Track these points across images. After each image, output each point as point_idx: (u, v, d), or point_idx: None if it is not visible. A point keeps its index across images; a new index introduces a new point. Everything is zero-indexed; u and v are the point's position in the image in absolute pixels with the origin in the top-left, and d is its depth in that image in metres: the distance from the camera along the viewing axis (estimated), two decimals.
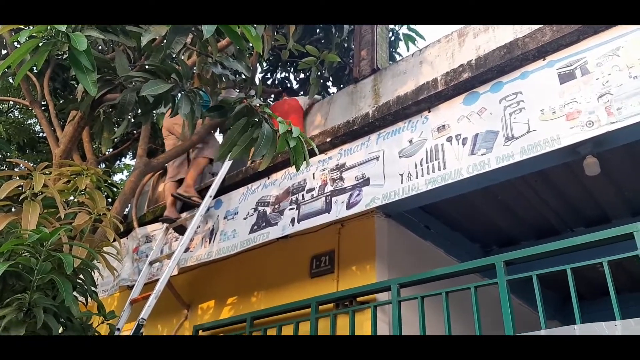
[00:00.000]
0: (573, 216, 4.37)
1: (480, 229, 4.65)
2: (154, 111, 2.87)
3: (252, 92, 2.42)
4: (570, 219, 4.44)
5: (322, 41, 5.36)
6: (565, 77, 2.66)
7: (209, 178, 4.84)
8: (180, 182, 4.75)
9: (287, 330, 3.56)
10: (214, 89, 2.57)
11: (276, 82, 6.20)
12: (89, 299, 2.88)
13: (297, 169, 2.59)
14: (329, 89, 5.88)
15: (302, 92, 5.98)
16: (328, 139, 3.65)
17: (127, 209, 5.77)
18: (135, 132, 5.33)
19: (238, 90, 2.57)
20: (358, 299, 3.47)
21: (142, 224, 5.09)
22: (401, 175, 3.10)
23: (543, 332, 2.42)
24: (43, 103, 4.10)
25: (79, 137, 3.36)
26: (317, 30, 5.40)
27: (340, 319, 3.45)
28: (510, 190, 4.04)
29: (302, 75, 6.13)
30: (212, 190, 4.24)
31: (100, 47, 2.84)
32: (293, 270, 4.14)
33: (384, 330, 3.34)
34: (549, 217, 4.44)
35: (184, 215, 4.61)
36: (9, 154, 6.89)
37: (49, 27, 1.96)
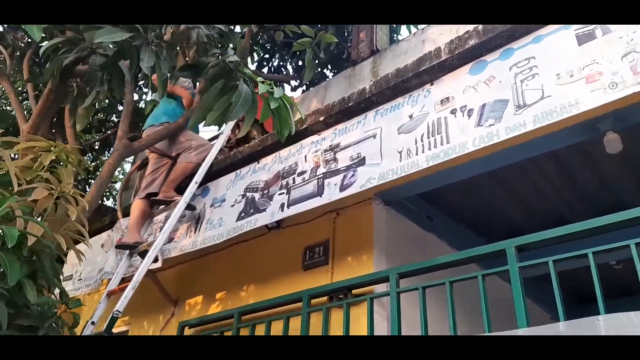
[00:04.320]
0: (587, 206, 4.06)
1: (487, 221, 4.34)
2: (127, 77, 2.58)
3: (231, 52, 2.14)
4: (585, 209, 4.12)
5: (319, 25, 5.09)
6: (585, 37, 2.37)
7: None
8: (148, 197, 4.18)
9: (277, 326, 3.26)
10: (187, 45, 2.29)
11: (272, 70, 5.93)
12: (53, 287, 2.60)
13: (282, 138, 2.30)
14: (327, 76, 5.60)
15: (298, 79, 5.71)
16: (321, 118, 3.36)
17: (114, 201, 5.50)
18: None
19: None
20: (354, 291, 3.18)
21: (126, 214, 4.81)
22: (400, 152, 2.80)
23: (562, 325, 2.11)
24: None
25: (48, 111, 3.09)
26: None
27: (334, 313, 3.16)
28: (519, 177, 3.74)
29: (300, 63, 5.86)
30: (198, 176, 3.95)
31: None
32: (285, 262, 3.85)
33: (381, 325, 3.03)
34: (561, 207, 4.13)
35: (147, 237, 4.05)
36: None
37: None
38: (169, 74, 2.14)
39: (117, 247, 3.96)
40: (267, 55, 5.82)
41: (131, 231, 3.98)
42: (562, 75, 2.33)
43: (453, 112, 2.69)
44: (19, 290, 2.32)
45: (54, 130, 5.02)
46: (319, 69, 5.25)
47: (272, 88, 2.05)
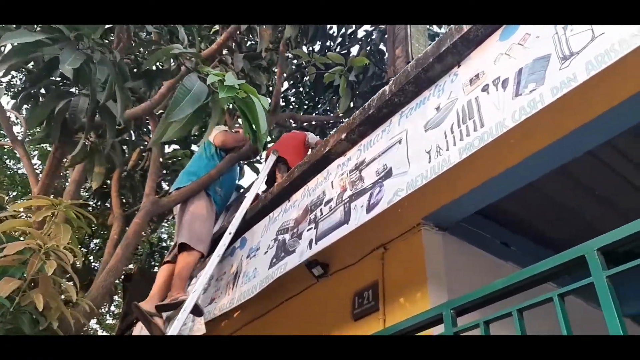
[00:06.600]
0: None
1: (582, 241, 3.46)
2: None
3: (180, 47, 1.81)
4: None
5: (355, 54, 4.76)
6: None
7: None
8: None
9: None
10: (129, 45, 2.00)
11: (320, 113, 5.63)
12: None
13: (260, 144, 1.88)
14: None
15: (347, 118, 5.34)
16: (343, 136, 2.90)
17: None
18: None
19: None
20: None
21: None
22: (428, 152, 2.24)
23: None
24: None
25: (55, 170, 2.95)
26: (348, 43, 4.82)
27: None
28: (608, 176, 2.94)
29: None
30: (232, 227, 3.60)
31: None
32: (334, 314, 3.28)
33: None
34: None
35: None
36: None
37: None
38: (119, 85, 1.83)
39: (159, 308, 3.49)
40: (312, 104, 5.55)
41: (174, 289, 3.54)
42: None
43: (485, 89, 2.11)
44: None
45: (107, 201, 5.02)
46: (364, 102, 4.85)
47: (224, 77, 1.66)
